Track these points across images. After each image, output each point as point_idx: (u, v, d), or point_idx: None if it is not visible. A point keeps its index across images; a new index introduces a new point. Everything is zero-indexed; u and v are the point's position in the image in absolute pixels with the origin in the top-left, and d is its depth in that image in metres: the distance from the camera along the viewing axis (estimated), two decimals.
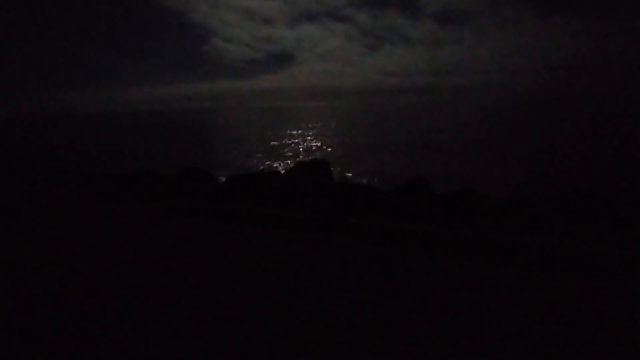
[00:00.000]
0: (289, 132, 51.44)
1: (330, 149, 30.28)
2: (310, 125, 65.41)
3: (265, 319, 2.37)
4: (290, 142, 37.90)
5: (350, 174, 18.58)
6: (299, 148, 32.20)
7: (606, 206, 6.23)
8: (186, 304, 2.58)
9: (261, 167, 21.88)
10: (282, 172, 9.95)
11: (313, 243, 3.91)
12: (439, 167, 18.94)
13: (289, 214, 4.69)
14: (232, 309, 2.50)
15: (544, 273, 3.13)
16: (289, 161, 24.30)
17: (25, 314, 2.44)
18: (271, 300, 2.63)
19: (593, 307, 2.52)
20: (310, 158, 17.25)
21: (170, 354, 2.01)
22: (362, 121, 73.78)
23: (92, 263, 3.35)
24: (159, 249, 3.74)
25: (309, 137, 42.28)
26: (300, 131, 52.28)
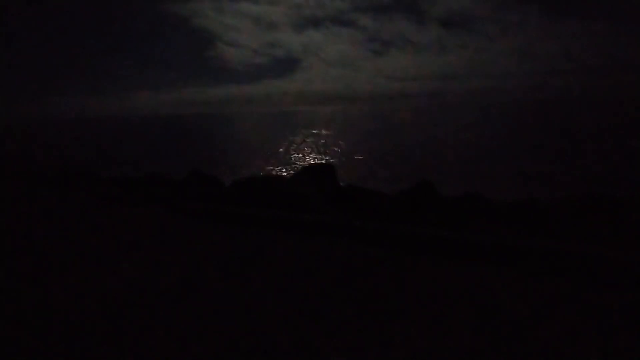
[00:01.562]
0: (294, 136, 51.56)
1: (336, 153, 30.29)
2: (315, 130, 65.54)
3: (270, 322, 2.36)
4: (295, 146, 37.98)
5: (356, 178, 18.55)
6: (305, 152, 32.25)
7: (613, 210, 6.16)
8: (192, 306, 2.58)
9: (267, 171, 21.93)
10: (288, 176, 9.97)
11: (319, 246, 3.90)
12: (445, 171, 18.85)
13: (294, 217, 4.69)
14: (238, 312, 2.49)
15: (551, 277, 3.09)
16: (295, 165, 24.33)
17: (32, 316, 2.46)
18: (276, 302, 2.63)
19: (600, 310, 2.48)
20: (315, 162, 17.26)
21: (174, 355, 2.01)
22: (368, 125, 73.79)
23: (99, 265, 3.37)
24: (165, 251, 3.75)
25: (315, 141, 42.33)
26: (305, 135, 52.39)
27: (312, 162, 21.73)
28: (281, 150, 34.52)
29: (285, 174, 19.76)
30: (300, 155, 30.38)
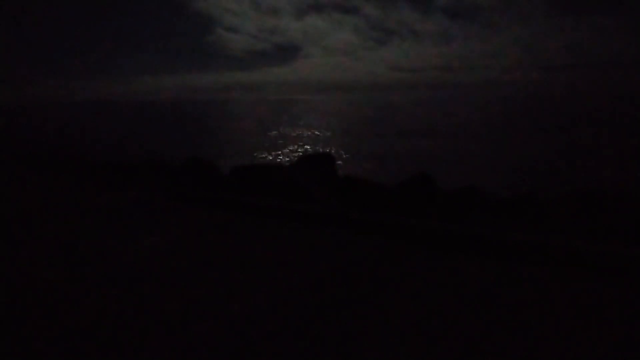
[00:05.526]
0: (294, 125, 51.29)
1: (335, 143, 30.15)
2: (315, 119, 65.20)
3: (264, 312, 2.33)
4: (295, 135, 37.78)
5: (355, 169, 18.50)
6: (304, 141, 32.09)
7: (614, 205, 6.13)
8: (187, 295, 2.55)
9: (266, 159, 21.85)
10: (287, 164, 9.89)
11: (315, 236, 3.86)
12: (445, 163, 18.80)
13: (291, 206, 4.63)
14: (232, 301, 2.46)
15: (551, 271, 3.06)
16: (294, 154, 24.23)
17: (25, 309, 2.42)
18: (271, 293, 2.59)
19: (598, 305, 2.46)
20: (314, 151, 17.18)
21: (168, 346, 1.97)
22: (369, 115, 73.43)
23: (95, 254, 3.32)
24: (161, 239, 3.71)
25: (314, 131, 42.12)
26: (305, 124, 52.11)
27: (311, 151, 21.62)
28: (280, 138, 34.35)
29: (284, 162, 19.68)
30: (300, 144, 30.24)
